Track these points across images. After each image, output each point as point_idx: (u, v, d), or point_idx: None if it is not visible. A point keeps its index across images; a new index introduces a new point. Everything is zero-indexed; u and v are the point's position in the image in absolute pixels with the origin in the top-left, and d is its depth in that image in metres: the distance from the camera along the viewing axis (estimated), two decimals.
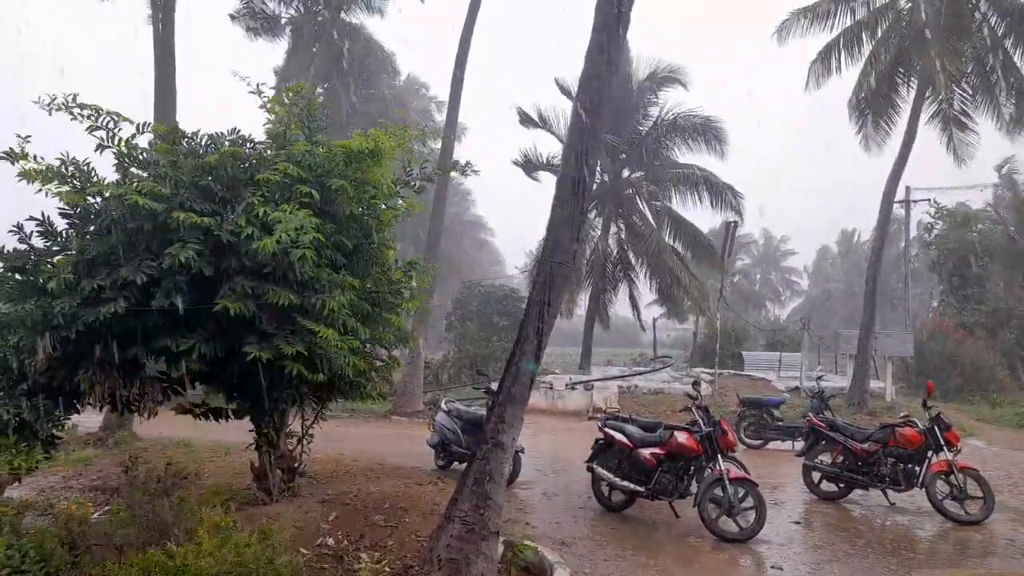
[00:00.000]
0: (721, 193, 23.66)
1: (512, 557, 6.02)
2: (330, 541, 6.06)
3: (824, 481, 9.30)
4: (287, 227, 5.52)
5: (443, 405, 10.63)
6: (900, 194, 25.75)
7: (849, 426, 9.55)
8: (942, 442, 8.47)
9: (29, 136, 5.95)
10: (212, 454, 10.02)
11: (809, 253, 68.38)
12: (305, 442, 7.66)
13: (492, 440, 5.81)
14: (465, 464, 8.50)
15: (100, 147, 6.25)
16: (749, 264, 64.32)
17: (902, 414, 9.47)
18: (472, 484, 5.68)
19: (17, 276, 6.15)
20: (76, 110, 6.10)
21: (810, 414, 10.74)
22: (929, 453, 8.59)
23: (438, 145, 17.77)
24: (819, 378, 14.26)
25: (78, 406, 6.58)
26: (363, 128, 7.46)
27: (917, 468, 8.64)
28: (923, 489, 8.45)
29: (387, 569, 5.53)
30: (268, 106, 6.98)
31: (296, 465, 7.50)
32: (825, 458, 9.32)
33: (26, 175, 5.97)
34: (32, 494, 6.31)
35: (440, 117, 31.41)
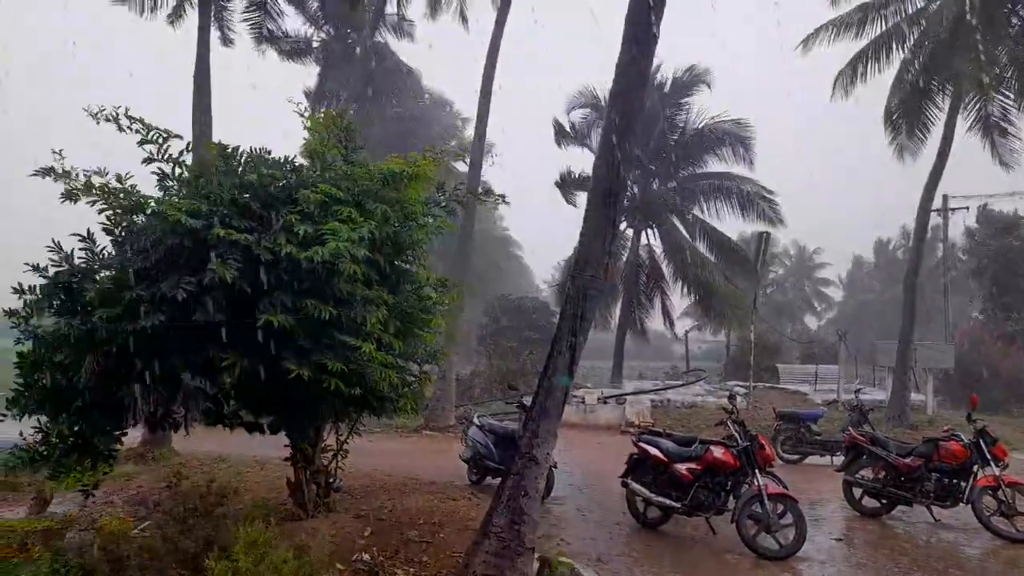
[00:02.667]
0: (753, 201, 23.47)
1: (548, 574, 5.97)
2: (366, 557, 6.06)
3: (866, 497, 9.08)
4: (347, 236, 5.64)
5: (475, 420, 10.62)
6: (937, 202, 25.25)
7: (891, 440, 9.33)
8: (988, 456, 8.23)
9: (63, 151, 6.06)
10: (248, 468, 10.13)
11: (843, 263, 67.21)
12: (340, 457, 7.71)
13: (526, 455, 5.79)
14: (498, 479, 8.47)
15: (148, 160, 6.34)
16: (782, 275, 63.45)
17: (945, 428, 9.22)
18: (507, 499, 5.66)
19: (62, 296, 6.28)
20: (125, 122, 6.20)
21: (850, 428, 10.52)
22: (975, 468, 8.35)
23: (468, 161, 17.91)
24: (858, 391, 13.96)
25: (127, 421, 6.71)
26: (393, 146, 7.59)
27: (963, 483, 8.39)
28: (969, 505, 8.21)
29: None
30: (308, 125, 7.09)
31: (331, 480, 7.54)
32: (866, 473, 9.10)
33: (70, 195, 6.11)
34: (75, 509, 6.44)
35: (467, 132, 31.67)
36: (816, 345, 33.57)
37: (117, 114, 6.20)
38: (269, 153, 6.92)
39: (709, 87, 24.35)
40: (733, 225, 38.23)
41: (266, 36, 22.65)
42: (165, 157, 6.41)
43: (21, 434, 6.16)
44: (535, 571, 5.81)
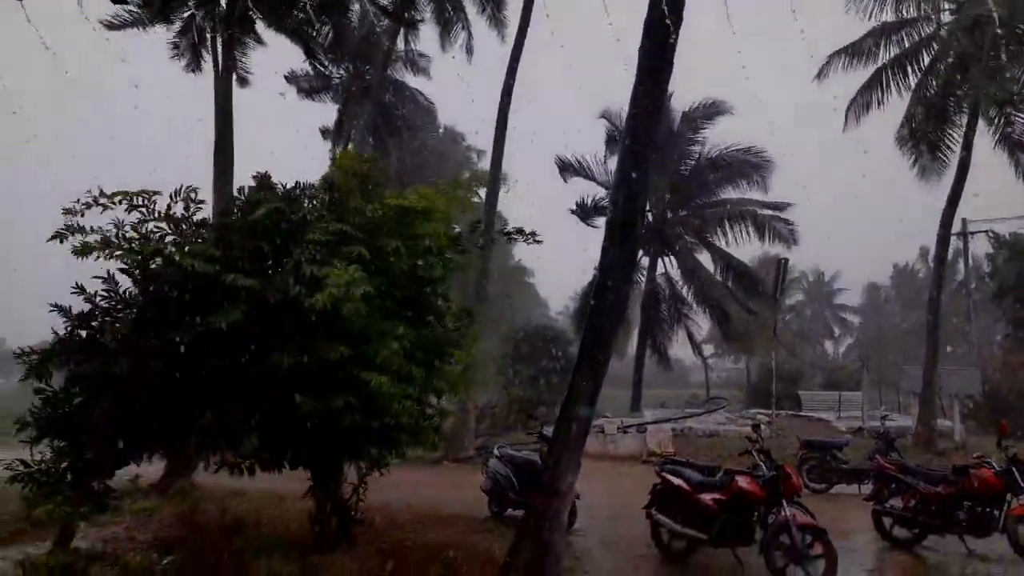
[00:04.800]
0: (770, 225, 23.47)
1: None
2: None
3: (896, 526, 8.87)
4: (340, 281, 5.66)
5: (495, 451, 10.55)
6: (957, 224, 25.03)
7: (920, 468, 9.13)
8: (1022, 485, 8.02)
9: (83, 213, 6.11)
10: (268, 502, 10.09)
11: (861, 289, 66.57)
12: (360, 490, 7.68)
13: (549, 487, 5.75)
14: (519, 510, 8.38)
15: (143, 221, 6.46)
16: (801, 301, 63.00)
17: (975, 455, 9.02)
18: (530, 533, 5.61)
19: (82, 333, 6.40)
20: (105, 201, 6.24)
21: (877, 456, 10.33)
22: (1008, 496, 8.14)
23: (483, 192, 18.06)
24: (884, 418, 13.75)
25: (138, 458, 6.81)
26: (409, 178, 7.74)
27: (996, 512, 8.17)
28: (1004, 535, 7.99)
29: None
30: (336, 163, 7.25)
31: (352, 513, 7.51)
32: (896, 502, 8.90)
33: (82, 250, 6.12)
34: (98, 544, 6.45)
35: (481, 164, 32.02)
36: (838, 371, 33.11)
37: (95, 199, 6.20)
38: (285, 186, 7.03)
39: (728, 113, 24.57)
40: (751, 250, 38.07)
41: (286, 77, 23.23)
42: (156, 214, 6.49)
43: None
44: None
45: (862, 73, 19.17)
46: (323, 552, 6.79)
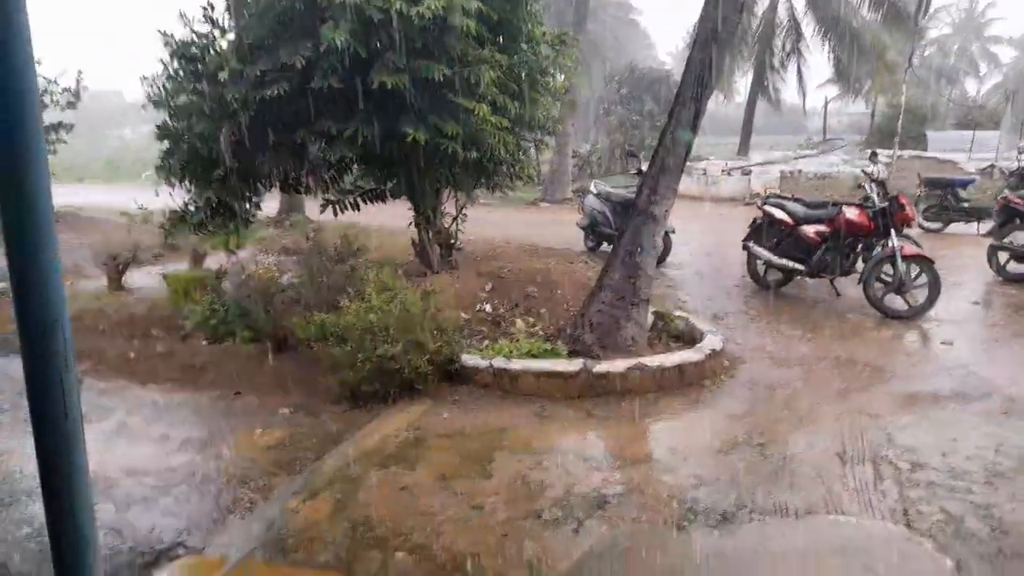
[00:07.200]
0: None
1: (663, 326, 6.13)
2: (488, 307, 6.44)
3: (1012, 263, 8.46)
4: None
5: (593, 188, 10.53)
6: None
7: None
8: None
9: None
10: (378, 234, 10.75)
11: (1020, 19, 57.36)
12: (459, 222, 7.95)
13: (644, 212, 5.70)
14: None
15: None
16: (947, 34, 55.38)
17: None
18: (623, 255, 5.69)
19: (186, 63, 6.51)
20: None
21: (1007, 191, 9.57)
22: None
23: None
24: (1020, 153, 12.51)
25: (261, 188, 7.25)
26: None
27: None
28: None
29: (540, 332, 5.84)
30: None
31: (452, 241, 7.86)
32: (1017, 238, 8.39)
33: None
34: (227, 264, 7.15)
35: None
36: (977, 111, 29.86)
37: None
38: None
39: None
40: None
41: None
42: None
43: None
44: (650, 323, 5.95)
45: None
46: (427, 274, 7.26)
